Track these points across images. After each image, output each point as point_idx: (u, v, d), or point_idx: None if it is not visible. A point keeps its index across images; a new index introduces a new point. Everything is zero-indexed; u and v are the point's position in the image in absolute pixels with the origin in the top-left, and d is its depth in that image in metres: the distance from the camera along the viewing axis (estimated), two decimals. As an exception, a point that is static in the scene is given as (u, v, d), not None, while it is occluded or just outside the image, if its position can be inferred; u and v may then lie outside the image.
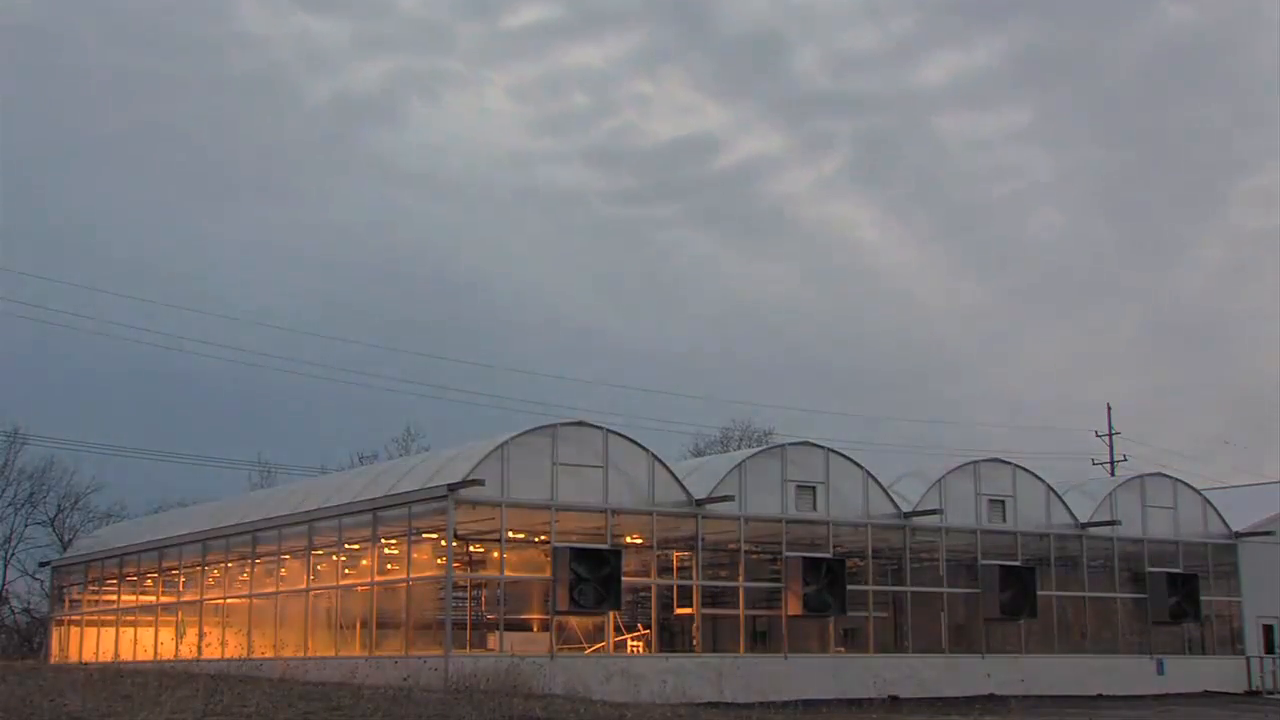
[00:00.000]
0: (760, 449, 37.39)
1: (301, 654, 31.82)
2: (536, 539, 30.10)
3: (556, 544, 29.30)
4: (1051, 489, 37.55)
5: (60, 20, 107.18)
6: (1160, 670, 38.03)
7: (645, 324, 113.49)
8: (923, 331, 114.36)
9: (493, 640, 29.17)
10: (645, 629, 31.97)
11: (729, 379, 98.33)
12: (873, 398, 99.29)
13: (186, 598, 39.50)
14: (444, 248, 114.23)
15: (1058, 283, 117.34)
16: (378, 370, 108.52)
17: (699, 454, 58.85)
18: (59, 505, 60.99)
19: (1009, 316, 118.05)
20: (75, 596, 47.11)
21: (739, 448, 58.68)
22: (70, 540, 57.18)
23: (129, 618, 42.39)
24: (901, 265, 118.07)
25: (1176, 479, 40.53)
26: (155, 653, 39.33)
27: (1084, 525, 37.68)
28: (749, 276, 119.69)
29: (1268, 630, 41.09)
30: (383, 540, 31.14)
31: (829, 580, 32.41)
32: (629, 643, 31.90)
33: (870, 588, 34.23)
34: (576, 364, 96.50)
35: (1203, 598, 39.03)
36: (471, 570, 31.13)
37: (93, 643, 43.97)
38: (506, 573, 29.46)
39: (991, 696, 33.36)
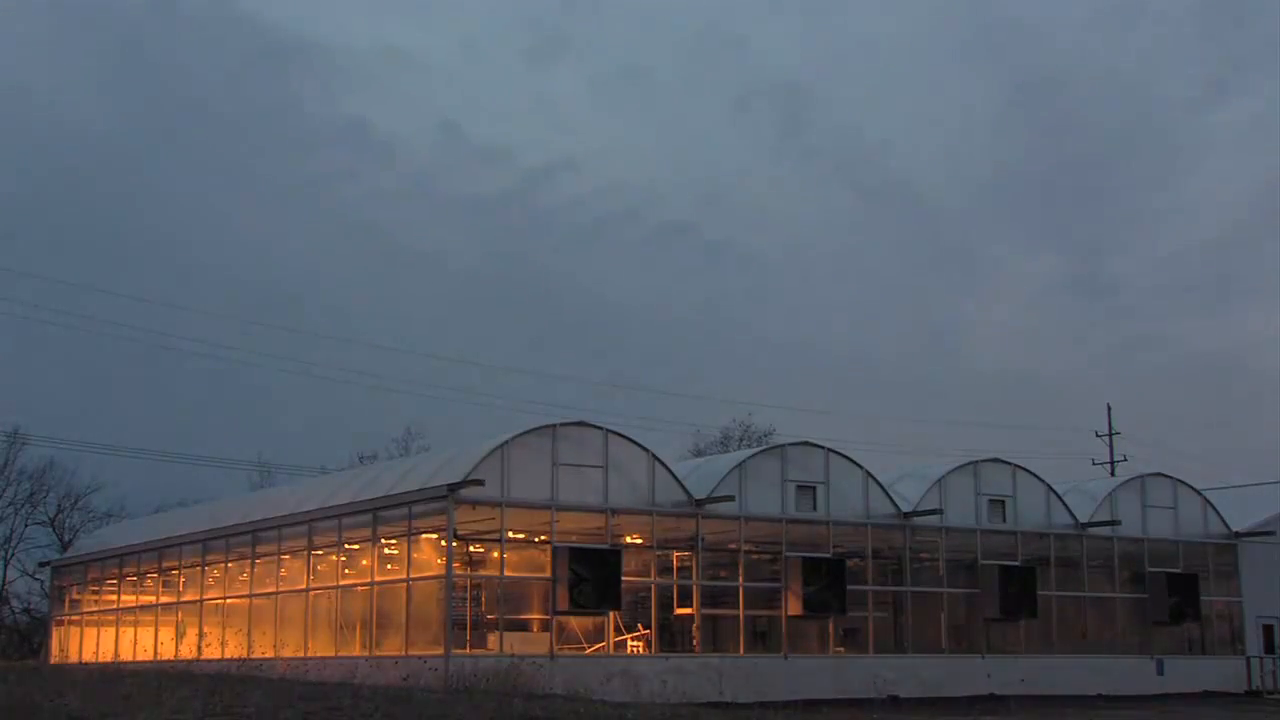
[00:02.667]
0: (760, 449, 37.40)
1: (301, 654, 31.82)
2: (536, 539, 30.10)
3: (556, 544, 29.33)
4: (1051, 489, 37.55)
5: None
6: (1160, 670, 38.03)
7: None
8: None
9: (493, 640, 29.16)
10: (645, 629, 31.94)
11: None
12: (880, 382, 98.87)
13: (186, 598, 39.47)
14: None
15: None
16: (378, 370, 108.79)
17: (699, 454, 58.83)
18: (59, 505, 61.18)
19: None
20: (75, 596, 47.08)
21: (739, 448, 58.68)
22: (70, 540, 57.25)
23: (129, 618, 42.37)
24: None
25: (1177, 479, 40.52)
26: (155, 653, 39.33)
27: (1084, 525, 37.68)
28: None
29: (1268, 630, 41.08)
30: (383, 540, 31.14)
31: (829, 580, 32.42)
32: (629, 643, 31.88)
33: (870, 588, 34.23)
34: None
35: (1203, 598, 39.06)
36: (471, 570, 31.12)
37: (93, 643, 43.96)
38: (506, 572, 29.47)
39: (991, 696, 33.39)
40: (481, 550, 31.27)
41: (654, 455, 31.25)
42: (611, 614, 30.29)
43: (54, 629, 47.12)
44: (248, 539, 35.95)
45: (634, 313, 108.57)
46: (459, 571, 29.57)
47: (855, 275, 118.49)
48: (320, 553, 33.38)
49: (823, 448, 34.00)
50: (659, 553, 31.87)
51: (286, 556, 34.70)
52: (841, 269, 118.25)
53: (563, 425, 30.43)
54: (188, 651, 36.97)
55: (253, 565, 35.80)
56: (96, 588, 45.21)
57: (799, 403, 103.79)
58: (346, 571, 32.35)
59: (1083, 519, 37.74)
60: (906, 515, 34.59)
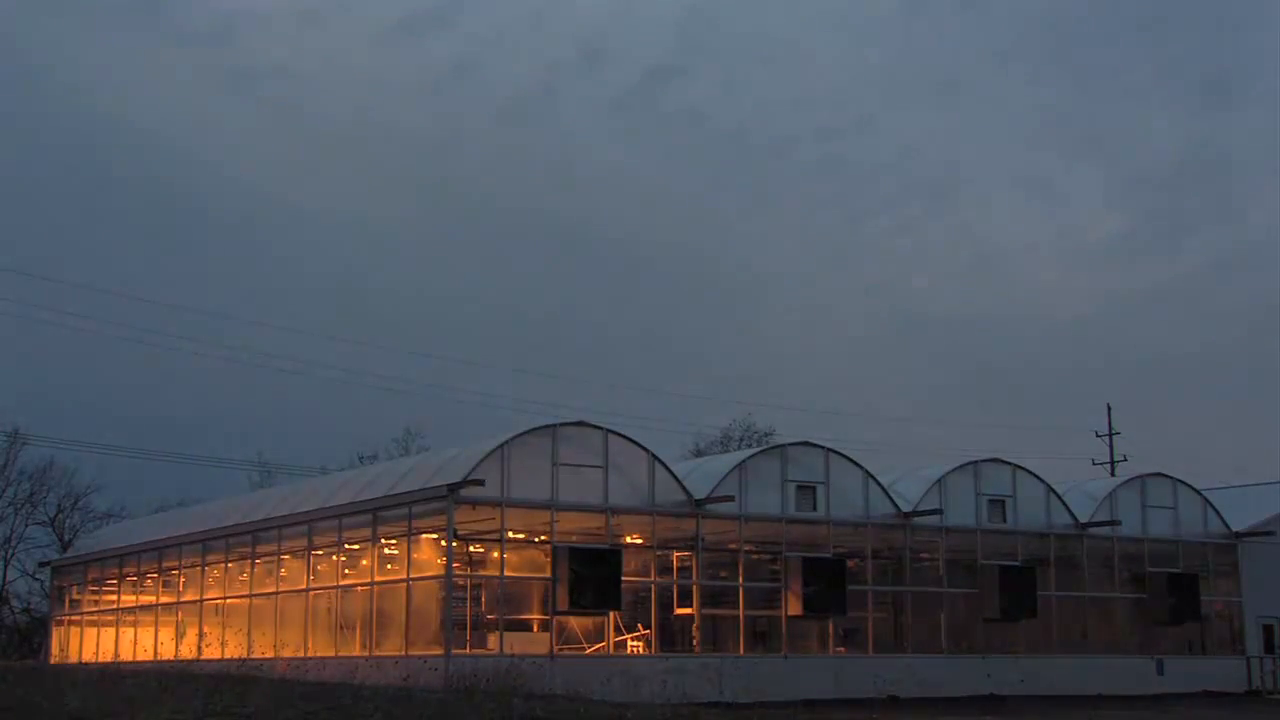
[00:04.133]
0: (760, 449, 37.40)
1: (301, 654, 31.83)
2: (536, 539, 30.10)
3: (556, 544, 29.32)
4: (1051, 489, 37.54)
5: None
6: (1160, 670, 38.02)
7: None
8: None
9: (493, 640, 29.15)
10: (645, 629, 31.94)
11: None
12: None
13: (186, 598, 39.46)
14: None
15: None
16: (378, 370, 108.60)
17: (699, 454, 58.82)
18: (59, 505, 61.11)
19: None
20: (75, 596, 47.08)
21: (739, 448, 58.67)
22: (70, 540, 57.22)
23: (129, 618, 42.38)
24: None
25: (1176, 479, 40.50)
26: (155, 653, 39.33)
27: (1084, 525, 37.67)
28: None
29: (1268, 630, 41.06)
30: (383, 540, 31.15)
31: (829, 580, 32.41)
32: (629, 643, 31.87)
33: (870, 588, 34.22)
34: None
35: (1203, 598, 39.04)
36: (471, 570, 31.13)
37: (93, 643, 43.97)
38: (506, 572, 29.46)
39: (991, 696, 33.40)
40: (481, 550, 31.28)
41: (654, 455, 31.24)
42: (611, 614, 30.28)
43: (54, 629, 47.12)
44: (248, 539, 35.95)
45: (606, 231, 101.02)
46: (459, 571, 29.57)
47: (883, 173, 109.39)
48: (320, 553, 33.38)
49: (823, 448, 33.99)
50: (659, 553, 31.87)
51: (286, 557, 34.70)
52: (868, 158, 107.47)
53: (563, 425, 30.43)
54: (188, 652, 36.97)
55: (252, 565, 35.80)
56: (96, 588, 45.22)
57: (805, 385, 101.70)
58: (346, 571, 32.35)
59: (1083, 519, 37.73)
60: (906, 515, 34.58)
